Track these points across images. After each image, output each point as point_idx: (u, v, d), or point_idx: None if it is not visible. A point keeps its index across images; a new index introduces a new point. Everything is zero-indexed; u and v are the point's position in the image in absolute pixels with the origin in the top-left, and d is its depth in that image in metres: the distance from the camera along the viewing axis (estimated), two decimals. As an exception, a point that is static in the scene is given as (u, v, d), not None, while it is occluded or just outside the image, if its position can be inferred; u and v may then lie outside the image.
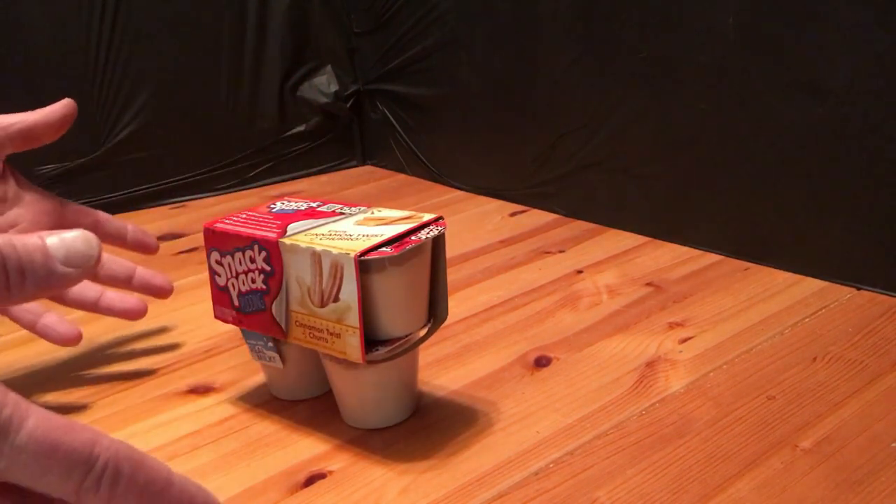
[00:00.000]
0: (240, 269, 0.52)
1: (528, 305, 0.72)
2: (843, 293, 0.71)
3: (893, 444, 0.51)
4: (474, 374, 0.61)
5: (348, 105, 1.22)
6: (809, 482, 0.47)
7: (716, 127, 0.79)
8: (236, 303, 0.53)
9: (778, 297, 0.71)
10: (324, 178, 1.19)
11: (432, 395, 0.58)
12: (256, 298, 0.52)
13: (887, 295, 0.70)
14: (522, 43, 0.95)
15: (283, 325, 0.51)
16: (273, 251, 0.50)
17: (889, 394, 0.56)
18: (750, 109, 0.75)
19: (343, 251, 0.47)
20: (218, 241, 0.53)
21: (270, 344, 0.54)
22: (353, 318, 0.48)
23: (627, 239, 0.86)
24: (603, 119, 0.88)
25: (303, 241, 0.49)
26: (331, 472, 0.50)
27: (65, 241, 0.32)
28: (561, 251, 0.84)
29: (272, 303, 0.51)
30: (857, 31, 0.67)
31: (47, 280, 0.31)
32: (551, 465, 0.50)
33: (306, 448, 0.53)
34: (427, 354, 0.63)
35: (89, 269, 0.32)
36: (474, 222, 0.95)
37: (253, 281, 0.52)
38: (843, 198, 0.71)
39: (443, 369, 0.62)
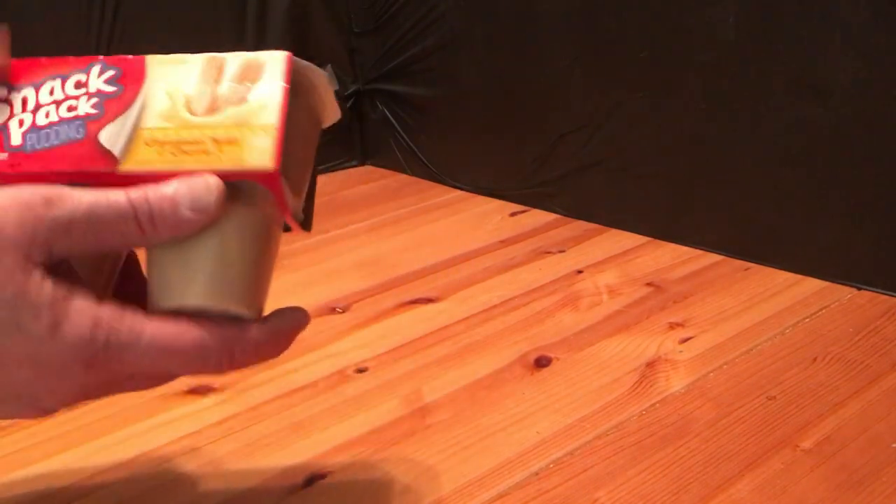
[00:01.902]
0: (45, 101, 0.41)
1: (528, 305, 0.72)
2: (844, 293, 0.71)
3: (894, 445, 0.50)
4: (474, 374, 0.61)
5: (348, 105, 1.22)
6: (810, 483, 0.47)
7: (716, 127, 0.78)
8: (15, 141, 0.40)
9: (778, 297, 0.71)
10: (323, 177, 1.19)
11: (432, 396, 0.58)
12: (69, 128, 0.40)
13: (888, 295, 0.70)
14: (522, 43, 0.95)
15: (114, 150, 0.39)
16: (130, 68, 0.40)
17: (890, 394, 0.56)
18: (750, 109, 0.75)
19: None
20: (13, 75, 0.42)
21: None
22: (269, 116, 0.38)
23: (627, 239, 0.86)
24: (603, 119, 0.88)
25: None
26: (331, 473, 0.50)
27: (190, 189, 0.36)
28: (561, 251, 0.84)
29: (102, 127, 0.39)
30: (857, 31, 0.67)
31: (176, 226, 0.36)
32: (552, 466, 0.50)
33: (306, 448, 0.52)
34: (427, 354, 0.63)
35: (211, 212, 0.36)
36: (474, 222, 0.94)
37: (70, 109, 0.40)
38: (844, 198, 0.71)
39: (443, 369, 0.61)
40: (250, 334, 0.38)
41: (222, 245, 0.38)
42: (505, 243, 0.87)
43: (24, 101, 0.40)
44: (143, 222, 0.36)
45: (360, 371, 0.61)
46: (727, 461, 0.49)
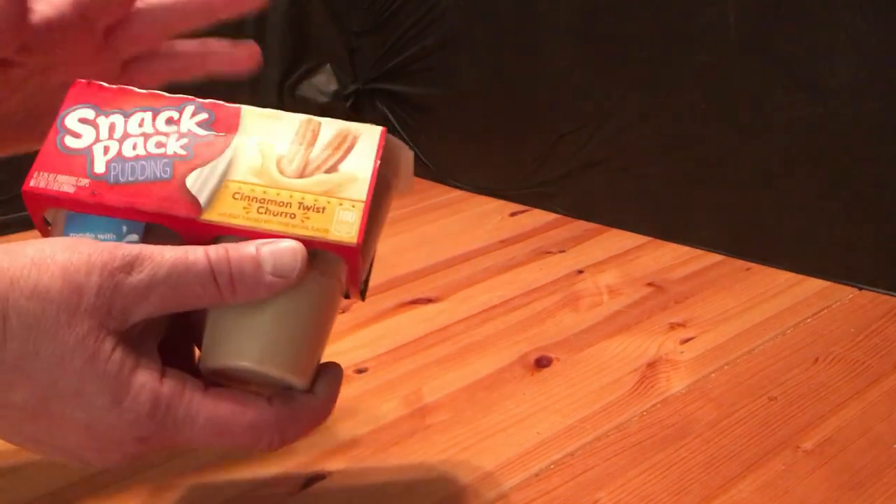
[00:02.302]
0: (134, 132, 0.39)
1: (528, 305, 0.72)
2: (845, 293, 0.71)
3: (895, 446, 0.50)
4: (474, 375, 0.60)
5: (348, 104, 1.22)
6: (811, 483, 0.47)
7: (716, 127, 0.78)
8: (98, 169, 0.38)
9: (779, 297, 0.71)
10: (323, 177, 1.18)
11: (432, 396, 0.58)
12: (157, 165, 0.38)
13: (889, 295, 0.70)
14: (523, 43, 0.95)
15: (200, 197, 0.38)
16: (224, 115, 0.40)
17: (891, 394, 0.56)
18: (750, 109, 0.75)
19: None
20: (101, 99, 0.40)
21: (133, 236, 0.38)
22: (358, 191, 0.38)
23: (628, 239, 0.86)
24: (603, 119, 0.88)
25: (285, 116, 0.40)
26: (330, 473, 0.50)
27: (274, 252, 0.36)
28: (561, 251, 0.84)
29: (190, 171, 0.38)
30: (858, 30, 0.67)
31: (255, 288, 0.35)
32: (552, 466, 0.50)
33: (306, 448, 0.52)
34: (427, 354, 0.63)
35: (292, 279, 0.36)
36: (474, 222, 0.94)
37: (159, 145, 0.39)
38: (845, 198, 0.71)
39: (443, 370, 0.61)
40: (301, 411, 0.37)
41: (289, 310, 0.37)
42: (505, 243, 0.87)
43: (112, 128, 0.39)
44: (223, 285, 0.35)
45: (360, 371, 0.61)
46: (728, 462, 0.49)
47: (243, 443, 0.36)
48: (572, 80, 0.90)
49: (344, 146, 0.39)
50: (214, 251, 0.35)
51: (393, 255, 0.84)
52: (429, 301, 0.73)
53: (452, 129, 1.09)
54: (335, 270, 0.38)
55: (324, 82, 1.20)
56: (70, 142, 0.39)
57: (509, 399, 0.57)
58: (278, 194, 0.38)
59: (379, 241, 0.43)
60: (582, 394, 0.57)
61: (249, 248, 0.35)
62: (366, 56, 1.19)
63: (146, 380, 0.34)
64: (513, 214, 0.96)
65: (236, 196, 0.37)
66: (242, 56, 0.52)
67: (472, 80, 1.03)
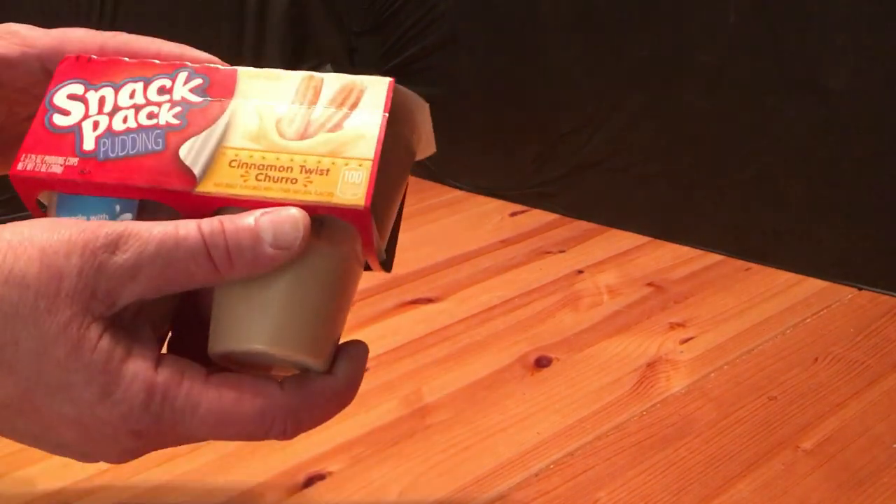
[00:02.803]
0: (125, 104, 0.37)
1: (528, 305, 0.72)
2: (845, 293, 0.71)
3: (895, 445, 0.50)
4: (474, 375, 0.60)
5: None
6: (811, 483, 0.47)
7: (716, 127, 0.78)
8: (88, 146, 0.36)
9: (779, 297, 0.71)
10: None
11: (432, 396, 0.58)
12: (148, 137, 0.36)
13: (889, 295, 0.70)
14: (523, 42, 0.95)
15: (195, 168, 0.35)
16: (219, 79, 0.37)
17: (891, 394, 0.56)
18: (750, 109, 0.75)
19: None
20: (91, 73, 0.38)
21: (128, 214, 0.35)
22: (365, 149, 0.35)
23: (628, 239, 0.86)
24: (603, 119, 0.88)
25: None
26: (330, 473, 0.50)
27: (274, 222, 0.32)
28: (561, 251, 0.84)
29: (184, 140, 0.35)
30: (858, 30, 0.67)
31: (254, 262, 0.32)
32: (552, 466, 0.50)
33: (306, 448, 0.52)
34: (427, 355, 0.63)
35: (294, 250, 0.33)
36: (474, 222, 0.94)
37: (151, 116, 0.36)
38: (845, 198, 0.71)
39: (443, 369, 0.61)
40: (318, 395, 0.34)
41: (298, 285, 0.34)
42: (505, 243, 0.87)
43: (102, 101, 0.37)
44: (218, 259, 0.32)
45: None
46: (728, 462, 0.49)
47: (252, 432, 0.33)
48: (572, 80, 0.90)
49: (349, 102, 0.36)
50: (208, 224, 0.32)
51: (393, 255, 0.84)
52: (429, 301, 0.72)
53: (452, 129, 1.09)
54: (347, 238, 0.35)
55: (324, 82, 1.20)
56: (58, 120, 0.36)
57: (509, 399, 0.57)
58: (278, 158, 0.35)
59: (401, 204, 0.40)
60: (582, 394, 0.57)
61: (247, 218, 0.33)
62: (366, 56, 1.19)
63: (139, 369, 0.31)
64: (513, 214, 0.96)
65: (233, 164, 0.35)
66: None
67: (472, 80, 1.03)
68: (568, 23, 0.89)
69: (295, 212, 0.33)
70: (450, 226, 0.92)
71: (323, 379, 0.35)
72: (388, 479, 0.49)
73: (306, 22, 1.17)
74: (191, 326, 0.36)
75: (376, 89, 0.36)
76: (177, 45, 0.40)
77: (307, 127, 0.35)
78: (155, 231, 0.32)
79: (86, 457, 0.34)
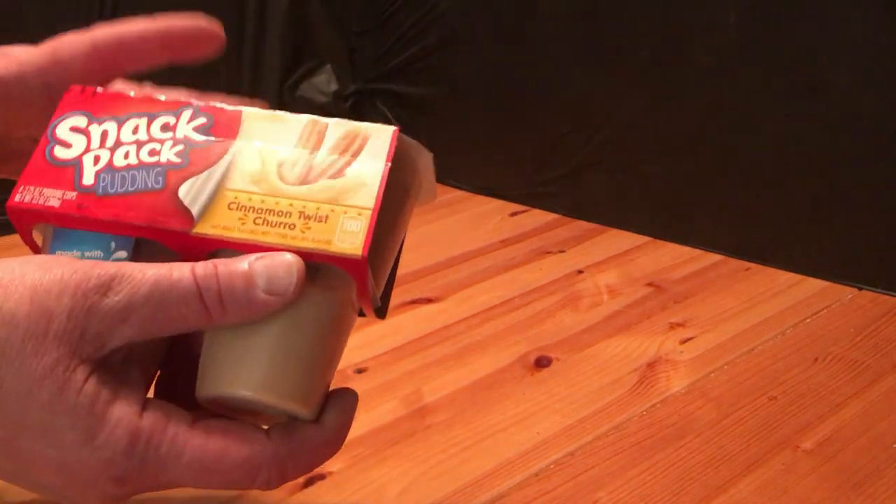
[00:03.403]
0: (128, 140, 0.36)
1: (528, 305, 0.72)
2: (845, 293, 0.71)
3: (895, 445, 0.50)
4: (474, 375, 0.60)
5: (348, 105, 1.22)
6: (811, 483, 0.47)
7: (716, 127, 0.78)
8: (87, 181, 0.35)
9: (779, 297, 0.71)
10: (323, 177, 1.18)
11: (432, 396, 0.58)
12: (148, 175, 0.35)
13: (889, 295, 0.70)
14: (523, 42, 0.95)
15: (193, 209, 0.34)
16: (224, 119, 0.37)
17: (891, 394, 0.56)
18: (751, 109, 0.75)
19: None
20: (95, 105, 0.37)
21: (122, 252, 0.35)
22: (365, 198, 0.34)
23: (628, 239, 0.86)
24: (603, 119, 0.88)
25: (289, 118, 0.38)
26: (330, 473, 0.50)
27: (268, 267, 0.32)
28: (561, 251, 0.84)
29: (184, 180, 0.35)
30: (858, 30, 0.67)
31: (247, 307, 0.32)
32: (552, 466, 0.50)
33: (306, 449, 0.52)
34: (427, 354, 0.63)
35: (288, 297, 0.32)
36: (474, 222, 0.94)
37: (153, 153, 0.36)
38: (845, 198, 0.71)
39: (443, 369, 0.61)
40: (305, 444, 0.34)
41: (289, 332, 0.34)
42: (505, 243, 0.87)
43: (104, 136, 0.36)
44: (210, 303, 0.32)
45: (360, 371, 0.61)
46: (728, 462, 0.49)
47: (236, 480, 0.32)
48: (572, 80, 0.90)
49: (352, 149, 0.35)
50: (202, 267, 0.32)
51: (393, 255, 0.84)
52: (429, 301, 0.72)
53: (452, 129, 1.09)
54: (342, 286, 0.35)
55: (324, 82, 1.20)
56: (59, 152, 0.36)
57: (509, 399, 0.57)
58: (277, 203, 0.34)
59: (398, 251, 0.40)
60: (582, 394, 0.57)
61: (241, 263, 0.32)
62: (366, 56, 1.19)
63: (123, 413, 0.31)
64: (513, 214, 0.96)
65: (232, 206, 0.34)
66: (201, 39, 0.45)
67: (472, 80, 1.03)
68: (568, 23, 0.89)
69: (290, 257, 0.32)
70: (450, 226, 0.92)
71: (310, 428, 0.34)
72: (387, 479, 0.49)
73: (306, 22, 1.17)
74: (181, 368, 0.36)
75: (380, 137, 0.36)
76: (161, 21, 0.40)
77: (308, 172, 0.35)
78: (148, 273, 0.31)
79: (69, 500, 0.33)
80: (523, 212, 0.97)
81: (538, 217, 0.95)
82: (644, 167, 0.86)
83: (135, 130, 0.36)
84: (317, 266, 0.34)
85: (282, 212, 0.34)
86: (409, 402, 0.57)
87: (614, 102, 0.87)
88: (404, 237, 0.40)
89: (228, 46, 0.45)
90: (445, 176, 1.10)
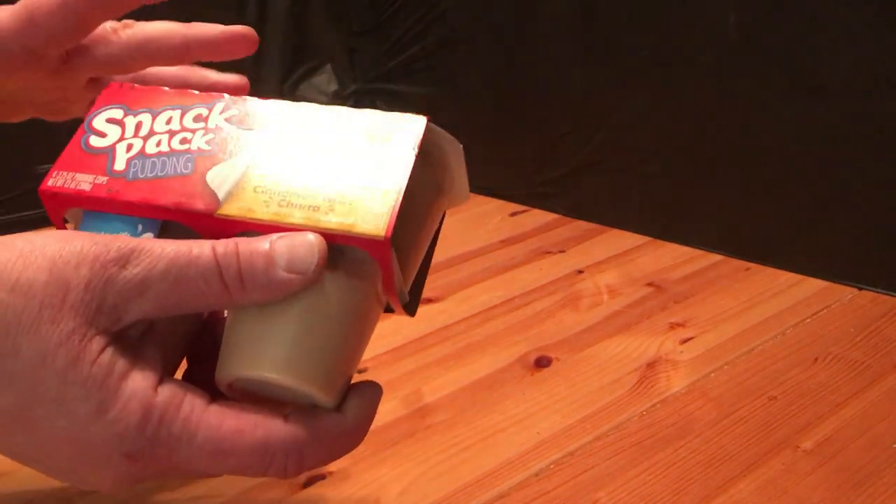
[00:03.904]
0: (160, 129, 0.38)
1: (528, 305, 0.72)
2: (845, 293, 0.71)
3: (895, 445, 0.50)
4: (474, 375, 0.60)
5: (348, 105, 1.22)
6: (811, 483, 0.47)
7: (716, 127, 0.78)
8: (119, 167, 0.37)
9: (779, 297, 0.71)
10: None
11: (432, 396, 0.58)
12: (178, 161, 0.36)
13: (889, 295, 0.70)
14: (523, 42, 0.95)
15: (219, 192, 0.35)
16: (255, 110, 0.38)
17: (891, 394, 0.56)
18: (751, 109, 0.75)
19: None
20: (131, 99, 0.39)
21: (149, 235, 0.36)
22: (391, 182, 0.35)
23: (628, 239, 0.86)
24: (603, 119, 0.88)
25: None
26: (330, 473, 0.50)
27: (290, 246, 0.32)
28: (561, 251, 0.84)
29: (213, 166, 0.36)
30: (858, 30, 0.67)
31: (267, 286, 0.32)
32: (552, 466, 0.50)
33: (306, 449, 0.52)
34: (427, 354, 0.63)
35: (309, 275, 0.32)
36: (474, 222, 0.94)
37: (184, 142, 0.37)
38: (845, 198, 0.71)
39: (443, 369, 0.61)
40: (324, 432, 0.33)
41: (311, 314, 0.33)
42: (505, 243, 0.87)
43: (138, 126, 0.38)
44: (230, 281, 0.31)
45: (360, 371, 0.61)
46: (728, 462, 0.49)
47: (250, 465, 0.32)
48: (572, 80, 0.90)
49: (381, 137, 0.36)
50: (223, 245, 0.32)
51: (393, 255, 0.84)
52: (429, 301, 0.72)
53: (452, 129, 1.09)
54: (368, 275, 0.35)
55: (324, 82, 1.20)
56: (94, 141, 0.37)
57: (509, 399, 0.57)
58: (303, 187, 0.35)
59: (428, 252, 0.40)
60: (582, 394, 0.57)
61: (263, 242, 0.32)
62: (366, 56, 1.19)
63: (137, 388, 0.30)
64: (513, 214, 0.96)
65: (258, 189, 0.35)
66: (232, 45, 0.52)
67: (472, 80, 1.03)
68: (568, 23, 0.89)
69: (312, 237, 0.32)
70: (450, 226, 0.91)
71: (331, 416, 0.33)
72: (387, 479, 0.49)
73: (306, 22, 1.17)
74: (206, 362, 0.35)
75: (410, 126, 0.37)
76: None
77: (336, 158, 0.35)
78: (168, 249, 0.31)
79: (81, 481, 0.33)
80: (523, 212, 0.97)
81: (538, 217, 0.95)
82: (644, 167, 0.86)
83: (168, 121, 0.38)
84: (341, 249, 0.34)
85: (307, 195, 0.34)
86: (409, 402, 0.57)
87: (614, 102, 0.87)
88: (437, 236, 0.41)
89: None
90: (445, 176, 1.10)
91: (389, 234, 0.33)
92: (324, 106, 0.38)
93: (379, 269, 0.34)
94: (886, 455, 0.49)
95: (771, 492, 0.47)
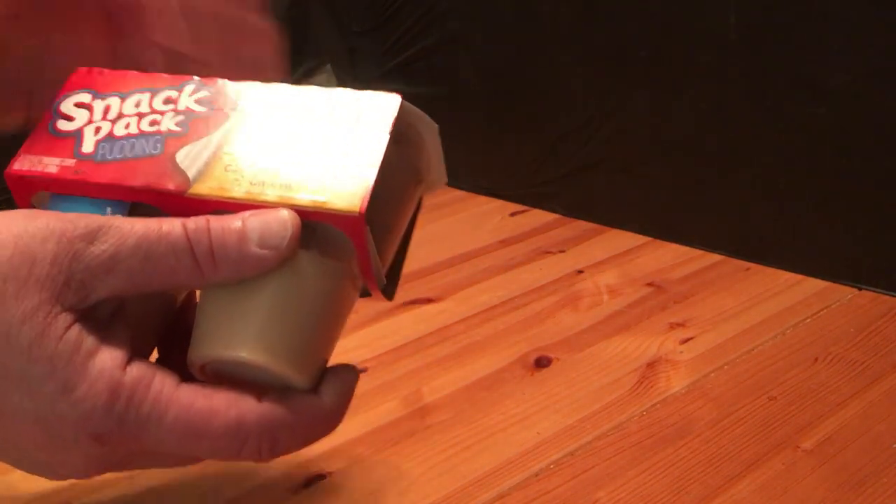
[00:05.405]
0: (129, 112, 0.37)
1: (528, 305, 0.72)
2: (845, 293, 0.71)
3: (895, 445, 0.50)
4: (474, 375, 0.60)
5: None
6: (811, 483, 0.47)
7: (716, 127, 0.78)
8: (87, 149, 0.36)
9: (779, 297, 0.71)
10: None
11: (432, 396, 0.58)
12: (147, 142, 0.36)
13: (889, 295, 0.70)
14: (523, 42, 0.95)
15: (189, 172, 0.35)
16: (225, 91, 0.38)
17: (891, 394, 0.56)
18: (751, 109, 0.75)
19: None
20: (100, 83, 0.38)
21: (117, 215, 0.35)
22: (366, 159, 0.34)
23: (628, 239, 0.86)
24: (603, 119, 0.88)
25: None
26: (330, 473, 0.50)
27: (262, 222, 0.31)
28: (561, 251, 0.84)
29: (182, 146, 0.35)
30: (859, 30, 0.67)
31: (239, 262, 0.31)
32: (552, 466, 0.50)
33: (306, 448, 0.52)
34: (427, 355, 0.63)
35: (282, 251, 0.31)
36: (474, 222, 0.94)
37: (153, 123, 0.36)
38: (845, 198, 0.71)
39: (443, 369, 0.61)
40: (299, 413, 0.32)
41: (284, 293, 0.33)
42: (505, 243, 0.87)
43: (107, 109, 0.37)
44: (202, 258, 0.31)
45: (360, 371, 0.61)
46: (728, 462, 0.49)
47: (223, 447, 0.31)
48: (572, 80, 0.90)
49: (354, 115, 0.36)
50: (194, 221, 0.31)
51: (393, 254, 0.84)
52: (429, 301, 0.72)
53: (452, 129, 1.09)
54: (343, 256, 0.34)
55: (324, 82, 1.19)
56: (62, 125, 0.36)
57: (509, 399, 0.57)
58: (275, 166, 0.34)
59: (404, 234, 0.40)
60: (582, 394, 0.57)
61: (235, 219, 0.32)
62: (366, 56, 1.19)
63: (105, 366, 0.29)
64: (513, 214, 0.96)
65: (229, 169, 0.34)
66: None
67: (473, 79, 1.03)
68: (568, 22, 0.89)
69: (285, 212, 0.32)
70: (450, 226, 0.92)
71: (306, 397, 0.33)
72: (387, 479, 0.49)
73: (306, 22, 1.17)
74: (178, 350, 0.35)
75: (384, 104, 0.36)
76: None
77: (309, 137, 0.35)
78: (137, 225, 0.31)
79: (50, 471, 0.32)
80: (523, 212, 0.97)
81: (538, 217, 0.95)
82: (644, 167, 0.86)
83: (137, 104, 0.37)
84: (314, 227, 0.33)
85: (279, 173, 0.34)
86: (409, 402, 0.57)
87: (614, 102, 0.87)
88: (415, 219, 0.40)
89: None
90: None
91: (364, 209, 0.33)
92: (296, 86, 0.37)
93: (354, 248, 0.34)
94: (886, 455, 0.49)
95: (771, 492, 0.47)
